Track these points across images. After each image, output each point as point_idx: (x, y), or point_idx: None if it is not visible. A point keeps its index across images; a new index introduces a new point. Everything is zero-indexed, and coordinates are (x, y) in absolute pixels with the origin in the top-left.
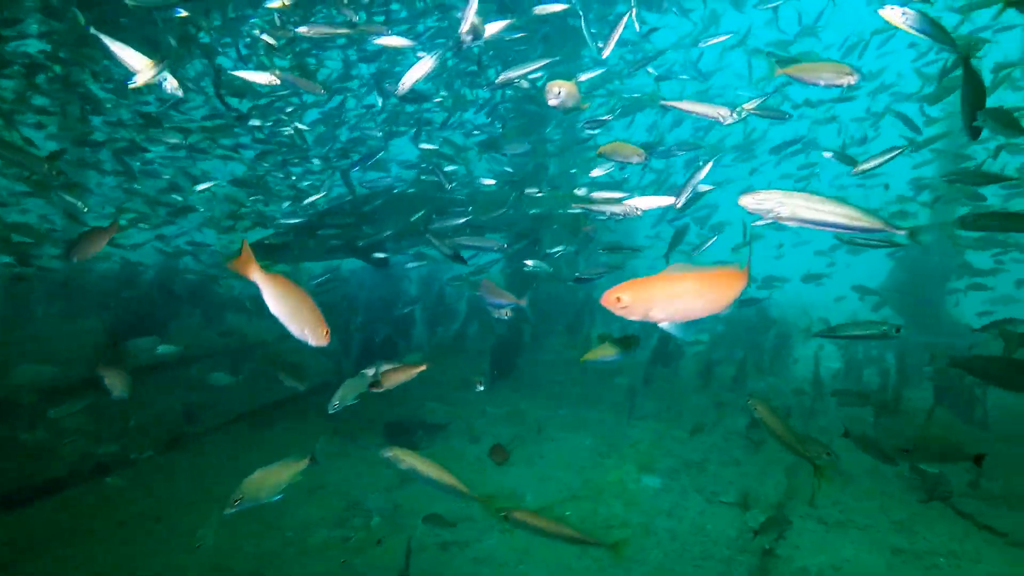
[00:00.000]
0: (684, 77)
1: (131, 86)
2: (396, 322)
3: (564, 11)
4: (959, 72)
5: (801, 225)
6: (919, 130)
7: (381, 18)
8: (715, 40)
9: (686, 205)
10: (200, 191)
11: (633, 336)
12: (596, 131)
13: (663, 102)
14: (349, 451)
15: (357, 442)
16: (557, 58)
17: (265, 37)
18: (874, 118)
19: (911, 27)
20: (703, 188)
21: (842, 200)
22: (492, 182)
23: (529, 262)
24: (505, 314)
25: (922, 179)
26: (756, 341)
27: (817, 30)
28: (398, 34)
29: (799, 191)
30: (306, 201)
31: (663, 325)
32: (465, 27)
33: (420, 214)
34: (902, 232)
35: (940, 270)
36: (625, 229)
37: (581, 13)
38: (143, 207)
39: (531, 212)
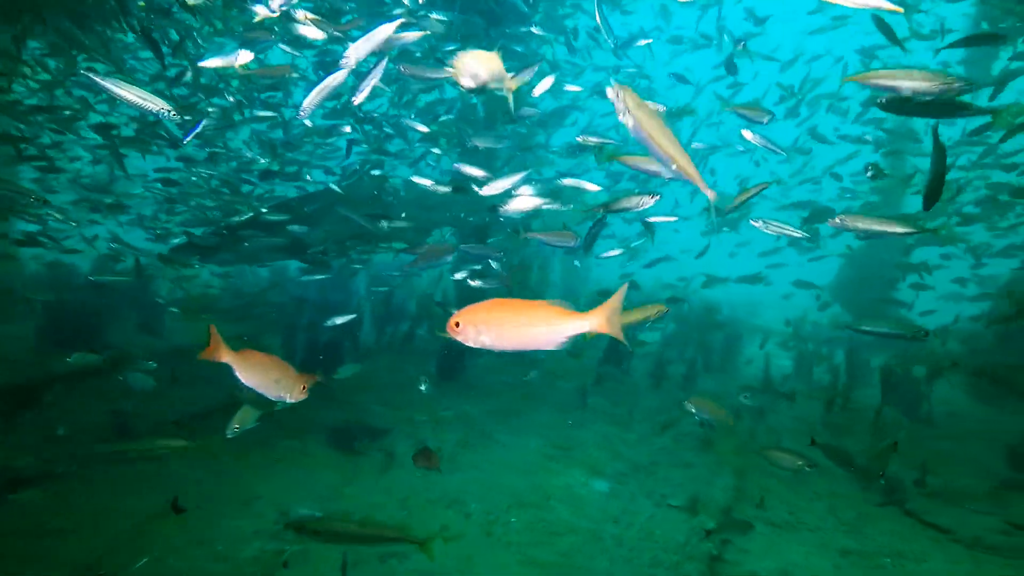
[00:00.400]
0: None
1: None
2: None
3: None
4: None
5: (637, 138)
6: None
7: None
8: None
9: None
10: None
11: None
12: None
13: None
14: (291, 458)
15: (297, 449)
16: None
17: None
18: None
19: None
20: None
21: (672, 134)
22: (428, 182)
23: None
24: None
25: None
26: (706, 340)
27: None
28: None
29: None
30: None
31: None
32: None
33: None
34: (709, 195)
35: (887, 268)
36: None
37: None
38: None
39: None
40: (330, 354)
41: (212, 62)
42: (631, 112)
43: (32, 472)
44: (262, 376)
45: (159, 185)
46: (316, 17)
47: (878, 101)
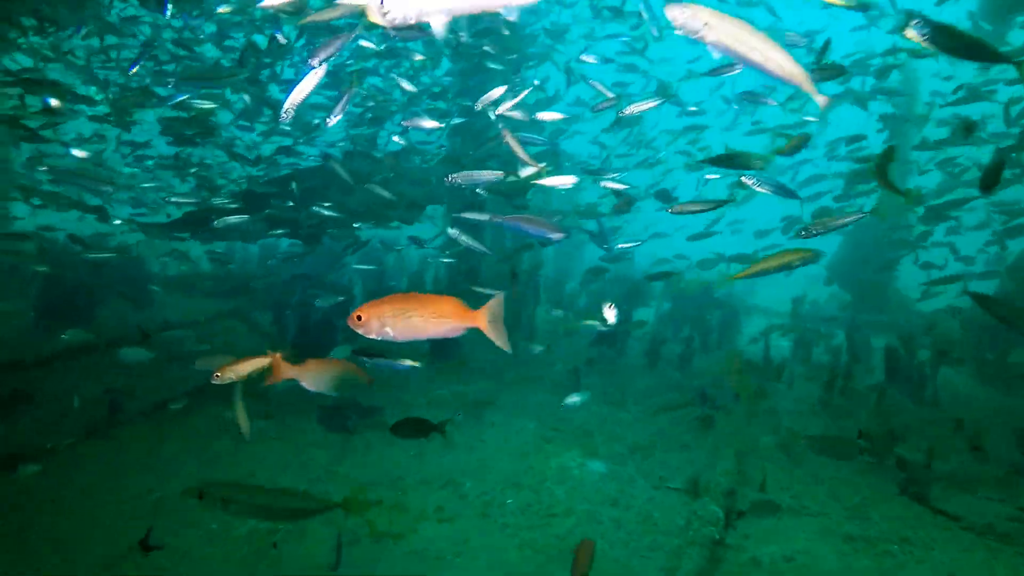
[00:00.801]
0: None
1: None
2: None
3: None
4: None
5: (725, 54)
6: None
7: None
8: None
9: None
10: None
11: None
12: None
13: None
14: (282, 436)
15: (289, 427)
16: None
17: None
18: None
19: None
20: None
21: (777, 43)
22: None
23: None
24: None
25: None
26: (703, 319)
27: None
28: None
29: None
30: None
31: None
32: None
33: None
34: (820, 101)
35: (887, 246)
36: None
37: None
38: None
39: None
40: (323, 332)
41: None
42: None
43: (31, 449)
44: (329, 380)
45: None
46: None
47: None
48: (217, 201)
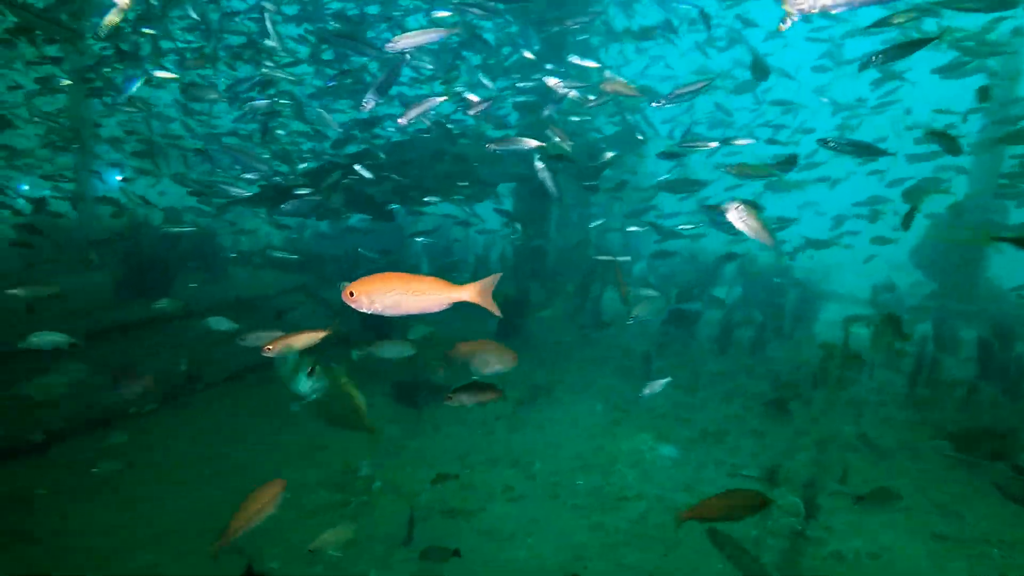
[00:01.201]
0: None
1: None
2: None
3: None
4: None
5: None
6: None
7: None
8: None
9: None
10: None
11: None
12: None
13: None
14: None
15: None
16: None
17: None
18: None
19: None
20: None
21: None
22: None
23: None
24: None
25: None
26: (777, 304)
27: None
28: None
29: None
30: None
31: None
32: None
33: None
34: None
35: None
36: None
37: None
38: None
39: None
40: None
41: None
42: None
43: (112, 414)
44: (482, 358)
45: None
46: None
47: None
48: (292, 177)
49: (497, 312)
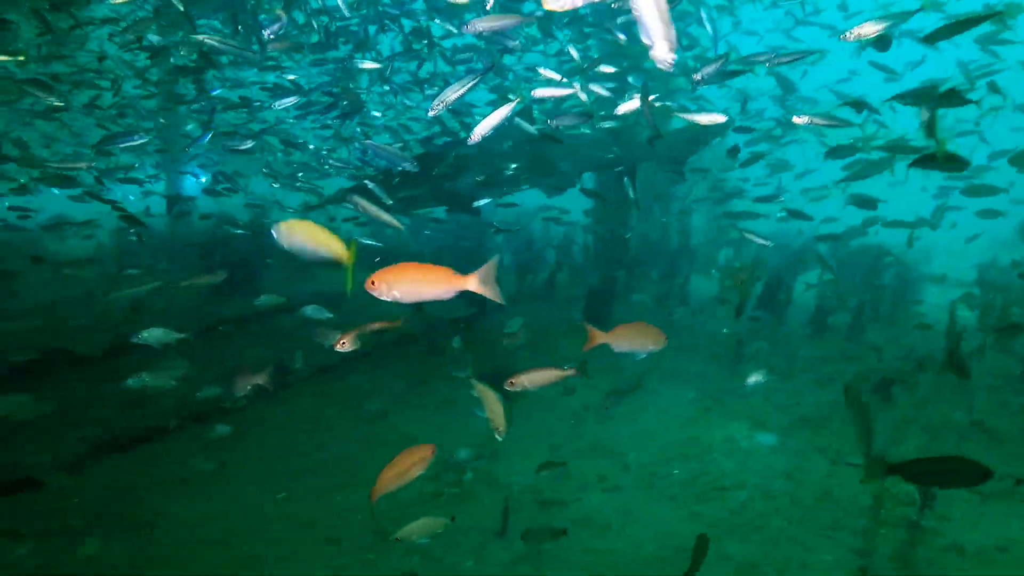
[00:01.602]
0: None
1: None
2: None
3: None
4: None
5: None
6: None
7: None
8: None
9: None
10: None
11: None
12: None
13: None
14: (438, 402)
15: (442, 393)
16: None
17: None
18: None
19: None
20: None
21: None
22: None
23: None
24: None
25: None
26: (873, 286)
27: None
28: None
29: None
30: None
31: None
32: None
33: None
34: None
35: None
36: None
37: None
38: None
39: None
40: (476, 300)
41: None
42: None
43: (209, 408)
44: (632, 341)
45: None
46: None
47: None
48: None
49: (499, 299)
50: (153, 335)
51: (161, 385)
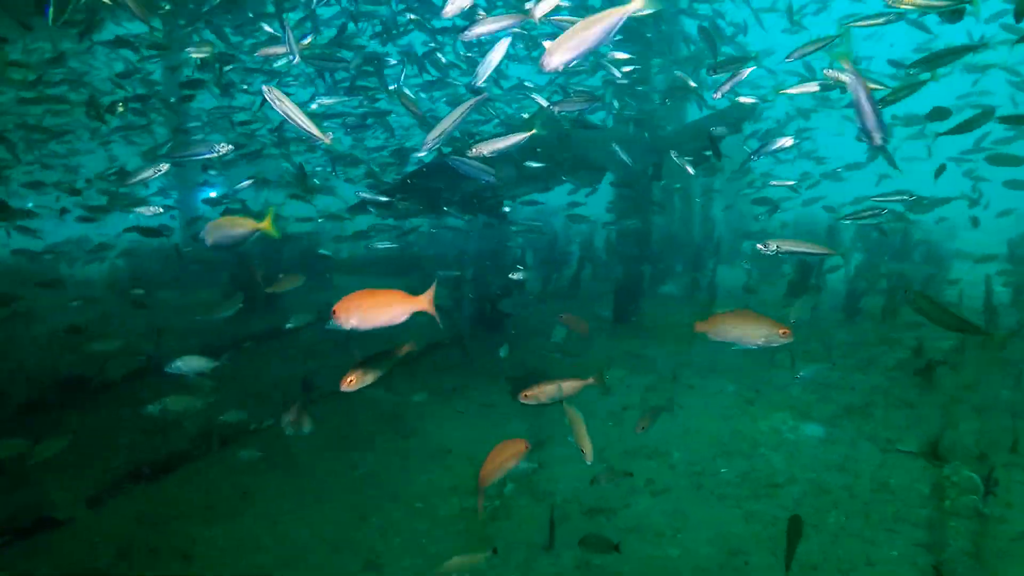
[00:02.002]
0: None
1: None
2: (508, 272)
3: None
4: None
5: None
6: None
7: None
8: None
9: None
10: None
11: None
12: None
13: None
14: (473, 411)
15: (478, 401)
16: None
17: None
18: None
19: None
20: None
21: None
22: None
23: None
24: None
25: None
26: (903, 268)
27: None
28: None
29: None
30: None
31: None
32: None
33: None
34: None
35: None
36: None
37: None
38: None
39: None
40: (500, 305)
41: None
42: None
43: (233, 430)
44: (745, 331)
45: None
46: None
47: None
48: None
49: (438, 319)
50: (188, 364)
51: (186, 410)
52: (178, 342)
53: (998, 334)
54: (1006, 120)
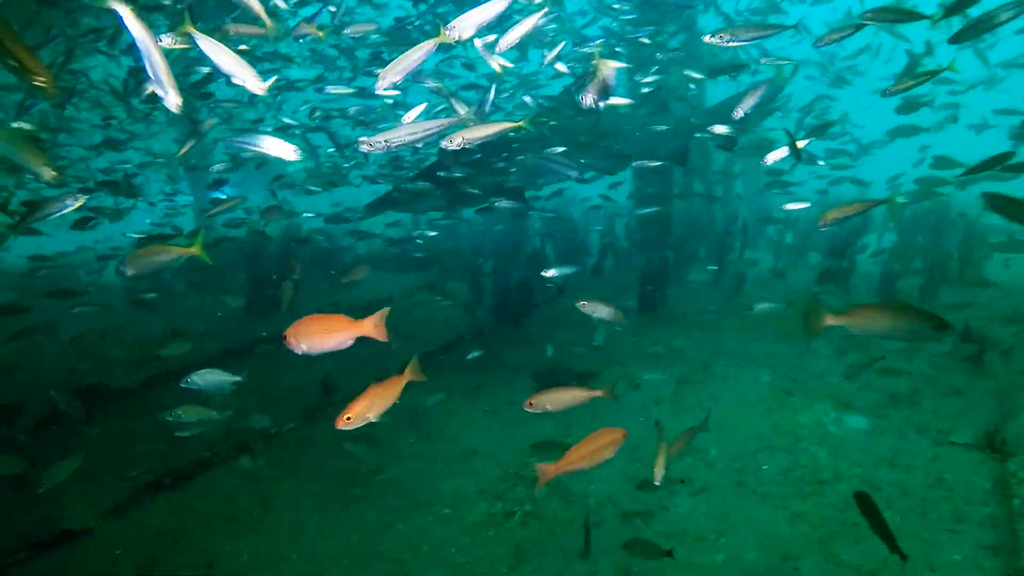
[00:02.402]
0: None
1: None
2: (528, 263)
3: None
4: None
5: None
6: None
7: None
8: None
9: None
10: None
11: None
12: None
13: None
14: (497, 409)
15: (503, 399)
16: None
17: None
18: None
19: None
20: None
21: None
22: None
23: None
24: None
25: None
26: (940, 247)
27: None
28: None
29: None
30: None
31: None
32: None
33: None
34: None
35: None
36: None
37: None
38: None
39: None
40: (522, 296)
41: None
42: None
43: (253, 435)
44: (893, 325)
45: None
46: None
47: None
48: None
49: (387, 339)
50: (206, 379)
51: (203, 419)
52: (196, 344)
53: None
54: None
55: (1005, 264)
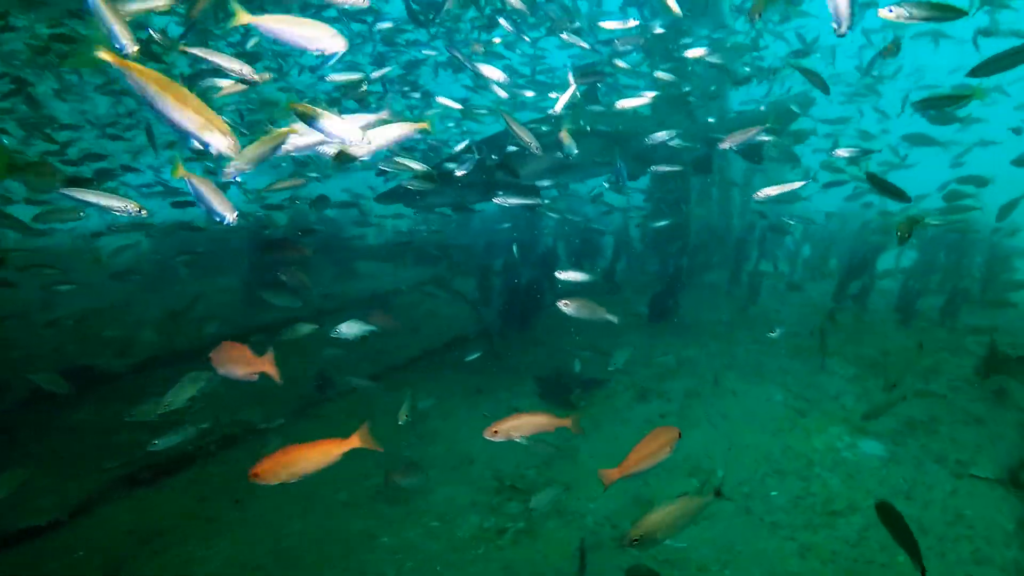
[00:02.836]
0: None
1: None
2: (538, 263)
3: None
4: None
5: None
6: None
7: None
8: None
9: None
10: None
11: None
12: None
13: None
14: (499, 414)
15: (505, 403)
16: None
17: None
18: None
19: None
20: None
21: None
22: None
23: None
24: None
25: None
26: (962, 266)
27: None
28: None
29: None
30: None
31: None
32: None
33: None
34: None
35: None
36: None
37: None
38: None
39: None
40: (532, 296)
41: None
42: None
43: (240, 430)
44: None
45: None
46: None
47: None
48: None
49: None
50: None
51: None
52: (194, 329)
53: None
54: None
55: None
